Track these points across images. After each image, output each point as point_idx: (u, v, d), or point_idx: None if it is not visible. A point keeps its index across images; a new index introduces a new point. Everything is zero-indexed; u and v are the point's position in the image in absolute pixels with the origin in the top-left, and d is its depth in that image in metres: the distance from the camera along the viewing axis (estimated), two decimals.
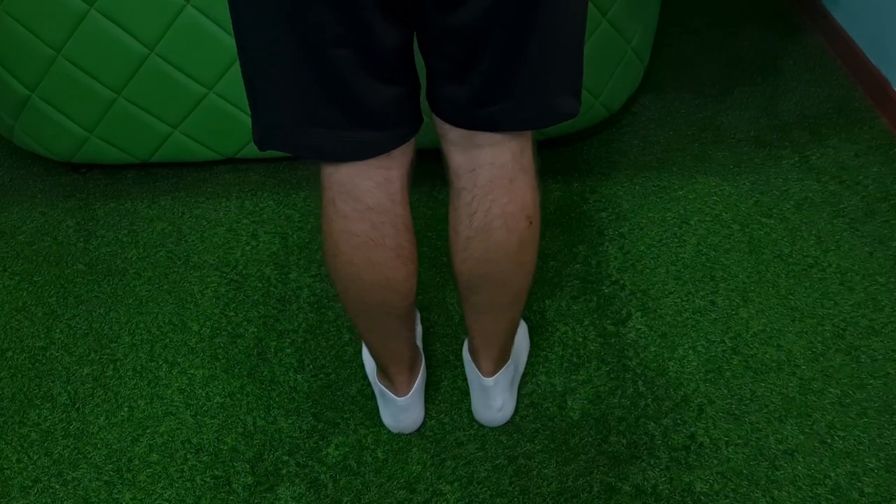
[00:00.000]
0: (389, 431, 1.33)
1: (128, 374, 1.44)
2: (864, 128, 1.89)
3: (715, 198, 1.73)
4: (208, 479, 1.28)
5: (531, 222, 1.06)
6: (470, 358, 1.26)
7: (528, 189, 1.04)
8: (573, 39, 0.94)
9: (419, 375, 1.29)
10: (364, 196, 1.00)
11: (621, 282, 1.56)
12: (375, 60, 0.88)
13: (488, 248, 1.06)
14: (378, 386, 1.29)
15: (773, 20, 2.30)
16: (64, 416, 1.38)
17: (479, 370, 1.25)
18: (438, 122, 1.01)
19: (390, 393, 1.27)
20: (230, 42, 1.57)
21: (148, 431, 1.35)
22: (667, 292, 1.53)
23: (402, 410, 1.28)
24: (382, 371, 1.26)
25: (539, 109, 0.95)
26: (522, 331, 1.39)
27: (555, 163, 1.83)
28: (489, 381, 1.25)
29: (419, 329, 1.41)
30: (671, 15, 2.32)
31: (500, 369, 1.25)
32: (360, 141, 0.95)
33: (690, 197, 1.73)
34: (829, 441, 1.29)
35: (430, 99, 0.99)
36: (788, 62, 2.12)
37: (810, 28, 2.25)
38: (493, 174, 1.01)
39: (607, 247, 1.63)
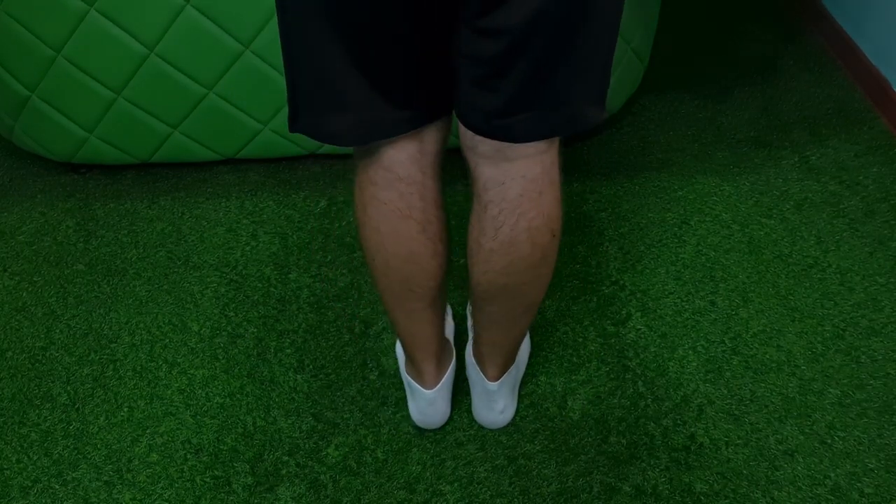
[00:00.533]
0: (389, 431, 1.33)
1: (128, 374, 1.44)
2: (864, 128, 1.89)
3: (715, 198, 1.73)
4: (208, 480, 1.28)
5: (554, 235, 1.05)
6: (474, 362, 1.25)
7: (554, 202, 1.03)
8: (608, 49, 0.93)
9: (448, 370, 1.28)
10: (396, 167, 1.01)
11: (621, 282, 1.56)
12: (415, 50, 0.89)
13: (511, 262, 1.05)
14: (406, 378, 1.29)
15: (772, 21, 2.30)
16: (64, 416, 1.38)
17: (483, 375, 1.25)
18: (467, 134, 0.99)
19: (417, 385, 1.26)
20: (230, 42, 1.57)
21: (148, 432, 1.35)
22: (667, 293, 1.53)
23: (429, 404, 1.27)
24: (410, 359, 1.25)
25: (567, 117, 0.94)
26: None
27: None
28: (493, 385, 1.25)
29: (451, 325, 1.40)
30: (671, 15, 2.32)
31: (504, 373, 1.25)
32: (394, 119, 0.96)
33: (690, 197, 1.73)
34: (828, 441, 1.29)
35: (459, 108, 0.98)
36: (788, 62, 2.12)
37: (810, 28, 2.25)
38: (525, 187, 1.00)
39: (607, 247, 1.63)
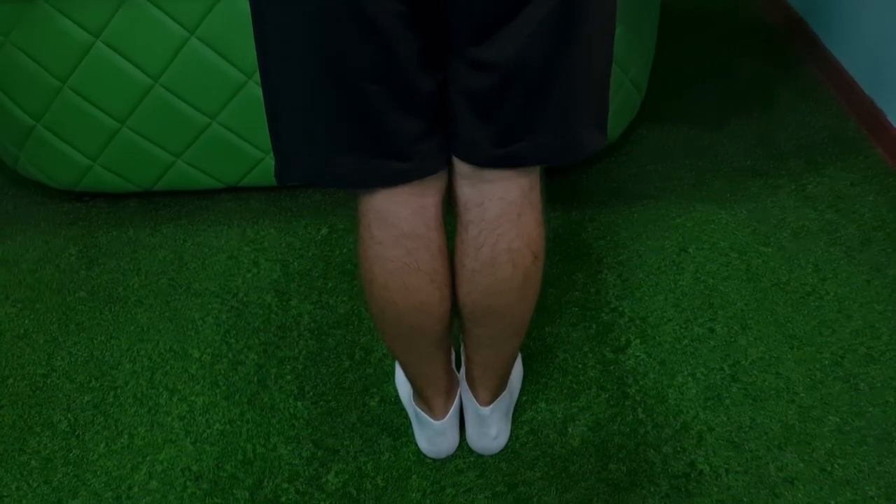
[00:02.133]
0: (389, 458, 1.33)
1: (128, 401, 1.44)
2: (859, 157, 1.91)
3: (713, 226, 1.74)
4: None
5: (536, 257, 1.07)
6: (467, 386, 1.26)
7: (534, 224, 1.04)
8: (601, 74, 0.95)
9: (455, 399, 1.28)
10: (400, 223, 1.01)
11: (620, 309, 1.56)
12: (406, 94, 0.90)
13: (493, 282, 1.06)
14: (414, 409, 1.29)
15: (768, 52, 2.33)
16: (64, 443, 1.38)
17: (476, 399, 1.25)
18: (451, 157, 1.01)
19: (427, 416, 1.26)
20: (233, 73, 1.60)
21: (148, 459, 1.35)
22: (665, 319, 1.54)
23: (438, 434, 1.28)
24: (419, 394, 1.26)
25: (565, 143, 0.96)
26: (517, 359, 1.40)
27: (554, 191, 1.85)
28: (486, 410, 1.25)
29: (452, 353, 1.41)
30: (668, 47, 2.35)
31: (496, 398, 1.26)
32: (389, 170, 0.96)
33: (688, 225, 1.75)
34: (828, 469, 1.28)
35: (457, 145, 0.98)
36: (784, 93, 2.15)
37: (805, 59, 2.28)
38: (503, 209, 1.01)
39: (606, 274, 1.64)
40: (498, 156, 0.96)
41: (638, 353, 1.48)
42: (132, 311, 1.61)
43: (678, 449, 1.32)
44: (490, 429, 1.28)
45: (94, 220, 1.85)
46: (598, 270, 1.65)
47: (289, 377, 1.46)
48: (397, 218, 1.01)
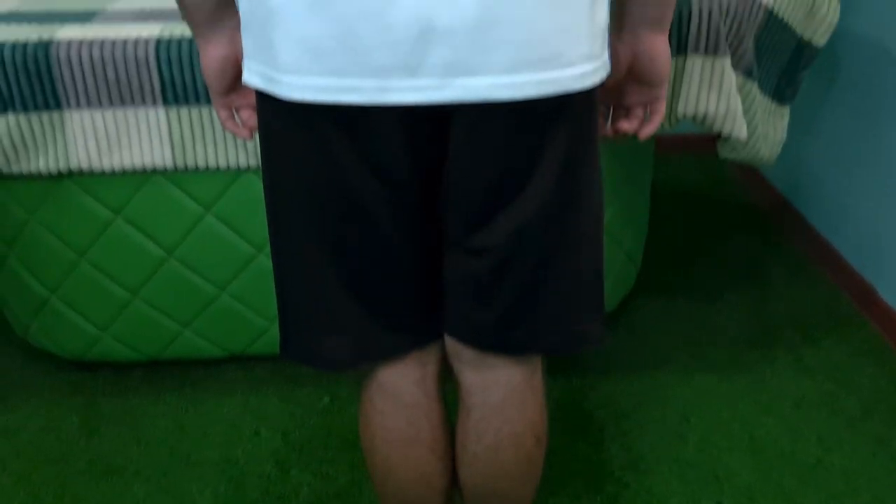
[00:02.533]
0: None
1: None
2: (853, 330, 1.95)
3: (713, 396, 1.75)
4: None
5: (538, 441, 1.07)
6: None
7: (536, 409, 1.06)
8: (595, 263, 0.98)
9: None
10: (402, 394, 1.03)
11: (625, 480, 1.54)
12: (404, 277, 0.94)
13: (495, 466, 1.07)
14: None
15: (757, 230, 2.43)
16: None
17: None
18: (450, 342, 1.02)
19: None
20: (244, 246, 1.67)
21: None
22: (672, 492, 1.51)
23: None
24: None
25: (565, 334, 0.97)
26: None
27: (553, 360, 1.86)
28: None
29: None
30: (660, 224, 2.46)
31: None
32: (389, 346, 0.99)
33: (688, 395, 1.75)
34: None
35: (453, 325, 1.00)
36: (775, 268, 2.22)
37: (793, 237, 2.38)
38: (506, 394, 1.03)
39: (608, 445, 1.63)
40: (500, 341, 0.98)
41: None
42: (129, 483, 1.59)
43: None
44: None
45: (98, 388, 1.86)
46: (600, 440, 1.64)
47: None
48: (399, 389, 1.03)
